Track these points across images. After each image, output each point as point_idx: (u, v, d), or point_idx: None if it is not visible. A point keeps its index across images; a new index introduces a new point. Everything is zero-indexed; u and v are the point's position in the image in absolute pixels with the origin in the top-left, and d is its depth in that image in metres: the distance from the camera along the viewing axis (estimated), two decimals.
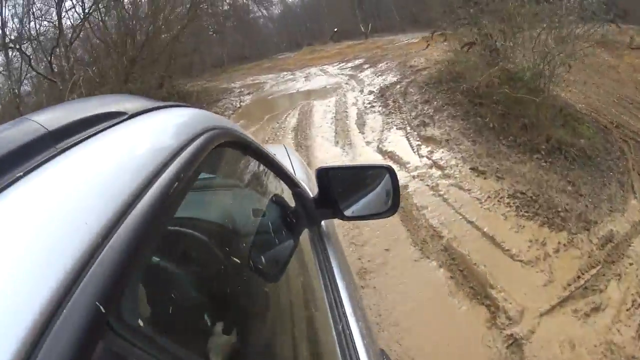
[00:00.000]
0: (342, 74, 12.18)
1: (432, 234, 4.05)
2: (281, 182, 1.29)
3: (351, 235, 4.03)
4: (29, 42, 11.42)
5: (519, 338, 2.97)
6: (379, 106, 7.84)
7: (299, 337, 1.06)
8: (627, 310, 3.26)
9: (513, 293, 3.32)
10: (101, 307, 0.35)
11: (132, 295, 0.45)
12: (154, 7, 11.62)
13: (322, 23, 27.34)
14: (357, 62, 13.61)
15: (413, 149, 5.76)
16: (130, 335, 0.41)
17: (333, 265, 1.27)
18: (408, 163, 5.36)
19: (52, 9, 11.37)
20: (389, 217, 1.40)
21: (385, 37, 19.77)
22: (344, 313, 1.06)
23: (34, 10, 11.34)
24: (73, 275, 0.35)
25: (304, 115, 8.25)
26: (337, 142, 6.54)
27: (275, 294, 1.06)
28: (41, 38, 11.57)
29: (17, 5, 11.10)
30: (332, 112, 8.15)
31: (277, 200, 1.23)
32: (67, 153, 0.49)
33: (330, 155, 6.09)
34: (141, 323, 0.45)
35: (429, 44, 7.36)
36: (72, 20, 11.80)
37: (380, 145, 6.02)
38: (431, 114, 6.71)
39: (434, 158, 5.39)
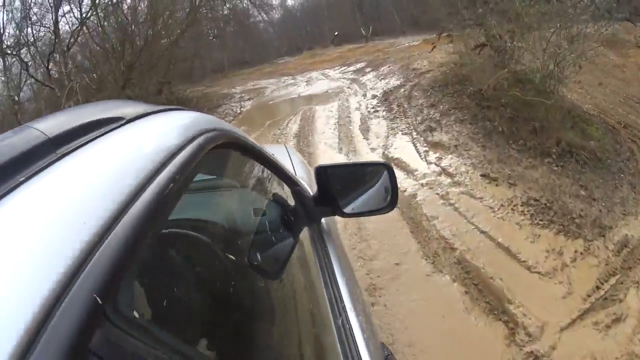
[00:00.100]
0: (344, 78, 12.08)
1: (444, 246, 3.86)
2: (281, 181, 1.31)
3: (359, 248, 3.85)
4: (26, 48, 11.30)
5: (539, 355, 2.83)
6: (383, 111, 7.69)
7: (299, 333, 1.09)
8: None
9: (532, 307, 3.16)
10: (98, 299, 0.37)
11: (128, 289, 0.47)
12: (153, 11, 11.50)
13: (323, 27, 27.34)
14: (358, 65, 13.53)
15: (420, 156, 5.57)
16: (126, 325, 0.42)
17: (333, 261, 1.28)
18: (416, 170, 5.16)
19: (48, 14, 11.25)
20: (388, 212, 1.41)
21: (386, 40, 19.83)
22: (344, 308, 1.08)
23: (31, 15, 11.21)
24: (73, 270, 0.38)
25: (306, 121, 8.11)
26: (340, 149, 6.38)
27: (274, 291, 1.09)
28: (38, 44, 11.46)
29: (14, 10, 11.01)
30: (335, 117, 8.02)
31: (277, 199, 1.25)
32: (67, 158, 0.51)
33: (334, 163, 5.85)
34: (136, 314, 0.48)
35: (434, 47, 7.16)
36: (70, 26, 11.72)
37: (386, 152, 5.83)
38: (438, 118, 6.52)
39: (442, 165, 5.19)
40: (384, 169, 1.42)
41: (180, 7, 12.85)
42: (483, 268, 3.53)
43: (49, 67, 10.93)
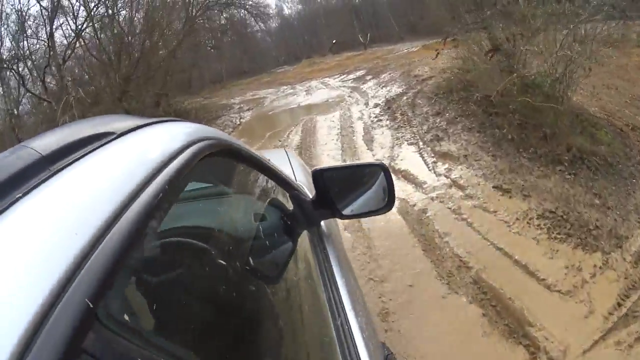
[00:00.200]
0: (344, 87, 11.96)
1: (458, 265, 3.65)
2: (279, 186, 1.33)
3: (369, 269, 3.64)
4: (22, 61, 11.19)
5: None
6: (387, 120, 7.51)
7: (298, 335, 1.08)
8: None
9: (553, 329, 2.99)
10: (90, 303, 0.40)
11: (119, 294, 0.50)
12: (150, 22, 11.38)
13: (320, 35, 27.42)
14: (358, 73, 13.43)
15: (428, 167, 5.35)
16: (117, 327, 0.46)
17: (333, 264, 1.29)
18: (424, 183, 4.95)
19: (41, 26, 11.16)
20: (385, 213, 1.41)
21: (385, 46, 19.89)
22: (344, 308, 1.09)
23: (26, 27, 11.10)
24: (67, 277, 0.40)
25: (307, 132, 7.94)
26: (344, 161, 6.18)
27: (274, 294, 1.08)
28: (34, 57, 11.34)
29: (11, 24, 10.92)
30: (337, 127, 7.85)
31: (275, 204, 1.29)
32: (60, 174, 0.53)
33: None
34: (127, 318, 0.50)
35: (438, 53, 6.97)
36: (66, 37, 11.62)
37: (392, 164, 5.61)
38: (444, 126, 6.31)
39: (452, 176, 4.97)
40: (380, 169, 1.42)
41: (177, 17, 12.76)
42: (501, 288, 3.34)
43: (45, 81, 10.79)
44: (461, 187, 4.70)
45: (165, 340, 0.60)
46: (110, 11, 11.21)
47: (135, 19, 11.96)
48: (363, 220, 4.24)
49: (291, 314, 1.14)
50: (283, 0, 30.73)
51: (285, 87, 14.48)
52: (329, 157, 6.50)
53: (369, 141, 6.71)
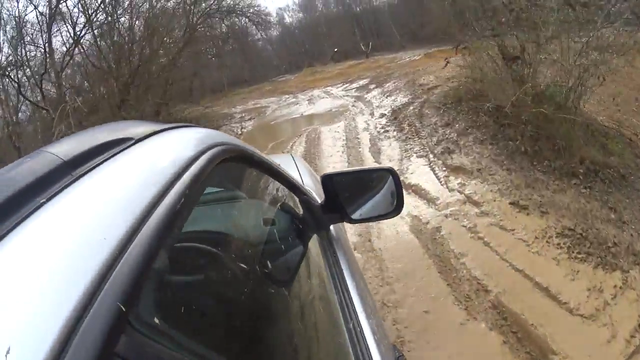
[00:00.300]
0: (348, 96, 11.81)
1: (476, 288, 3.42)
2: (289, 190, 1.33)
3: (382, 293, 3.41)
4: (20, 69, 11.05)
5: None
6: (394, 131, 7.30)
7: (311, 337, 1.08)
8: None
9: (577, 357, 2.84)
10: (122, 307, 0.40)
11: (149, 297, 0.50)
12: (150, 30, 11.25)
13: (322, 43, 27.43)
14: (361, 82, 13.30)
15: (440, 181, 5.11)
16: (148, 330, 0.46)
17: (343, 267, 1.30)
18: (437, 199, 4.71)
19: (38, 33, 11.04)
20: (394, 217, 1.43)
21: (386, 55, 19.87)
22: (355, 311, 1.09)
23: (24, 34, 10.98)
24: (98, 281, 0.40)
25: (311, 143, 7.73)
26: None
27: (287, 297, 1.08)
28: (31, 64, 11.20)
29: (9, 30, 10.81)
30: (342, 138, 7.64)
31: (286, 209, 1.29)
32: (83, 179, 0.54)
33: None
34: (157, 321, 0.50)
35: (448, 62, 6.78)
36: (65, 44, 11.49)
37: (402, 178, 5.33)
38: (455, 138, 6.08)
39: (466, 192, 4.73)
40: (389, 174, 1.42)
41: (178, 25, 12.66)
42: (522, 313, 3.13)
43: (42, 88, 10.62)
44: (476, 204, 4.47)
45: (192, 342, 0.60)
46: (109, 18, 11.10)
47: (135, 26, 11.88)
48: (374, 239, 4.05)
49: (305, 317, 1.14)
50: (284, 8, 30.78)
51: (287, 96, 14.38)
52: (335, 170, 6.24)
53: (376, 153, 6.50)
